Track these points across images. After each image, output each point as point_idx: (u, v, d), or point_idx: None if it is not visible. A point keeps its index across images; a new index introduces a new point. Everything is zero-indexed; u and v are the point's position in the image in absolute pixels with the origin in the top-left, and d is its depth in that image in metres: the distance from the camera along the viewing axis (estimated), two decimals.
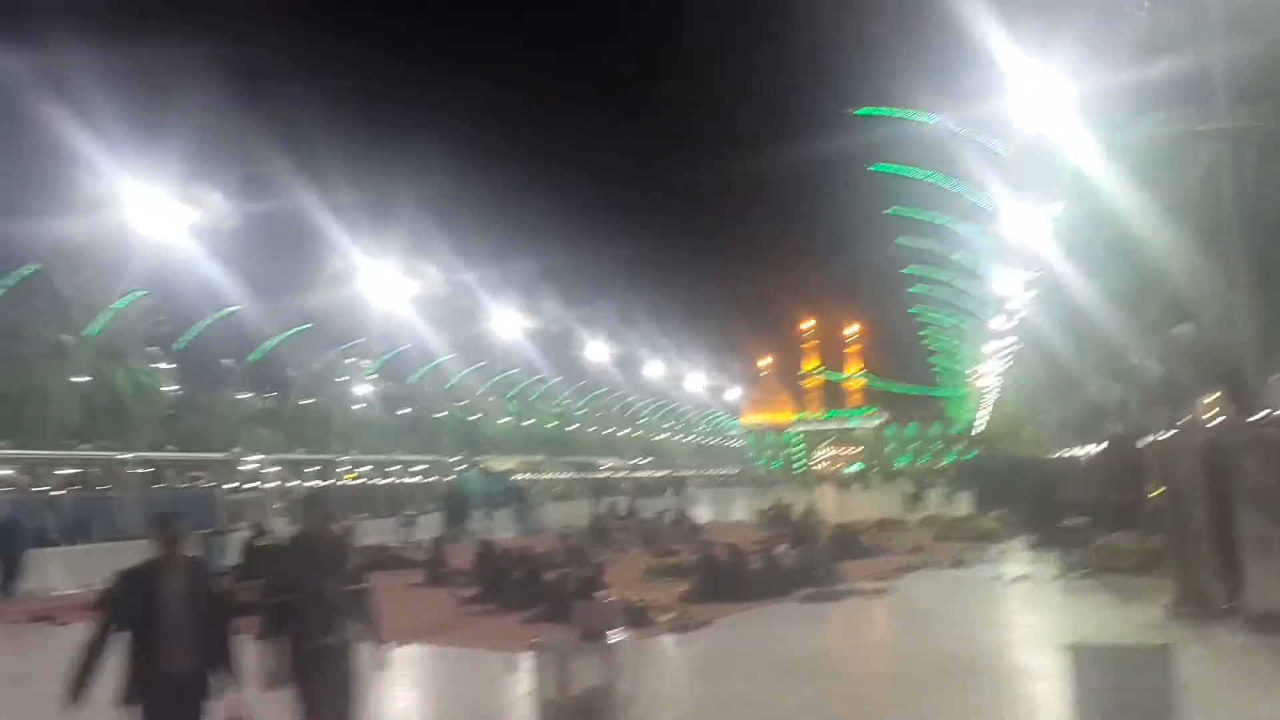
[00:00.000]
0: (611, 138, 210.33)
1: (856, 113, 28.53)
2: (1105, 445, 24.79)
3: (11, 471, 40.79)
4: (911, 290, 65.00)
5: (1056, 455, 38.09)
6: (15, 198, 41.91)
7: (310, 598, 6.02)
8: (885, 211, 36.59)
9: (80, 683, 5.22)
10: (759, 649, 11.43)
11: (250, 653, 5.79)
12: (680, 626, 12.54)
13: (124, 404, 45.97)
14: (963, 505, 36.24)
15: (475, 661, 11.45)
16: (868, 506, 40.67)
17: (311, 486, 58.54)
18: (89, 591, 20.51)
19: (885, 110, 28.19)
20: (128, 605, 5.32)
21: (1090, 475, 23.83)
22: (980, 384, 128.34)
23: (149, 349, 49.61)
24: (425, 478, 72.30)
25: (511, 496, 46.07)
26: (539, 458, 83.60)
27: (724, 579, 15.15)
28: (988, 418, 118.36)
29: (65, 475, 44.53)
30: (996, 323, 56.62)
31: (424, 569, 19.04)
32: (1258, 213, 20.47)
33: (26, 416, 43.78)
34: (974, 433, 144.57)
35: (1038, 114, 26.36)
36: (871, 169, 37.28)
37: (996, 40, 27.99)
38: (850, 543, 20.53)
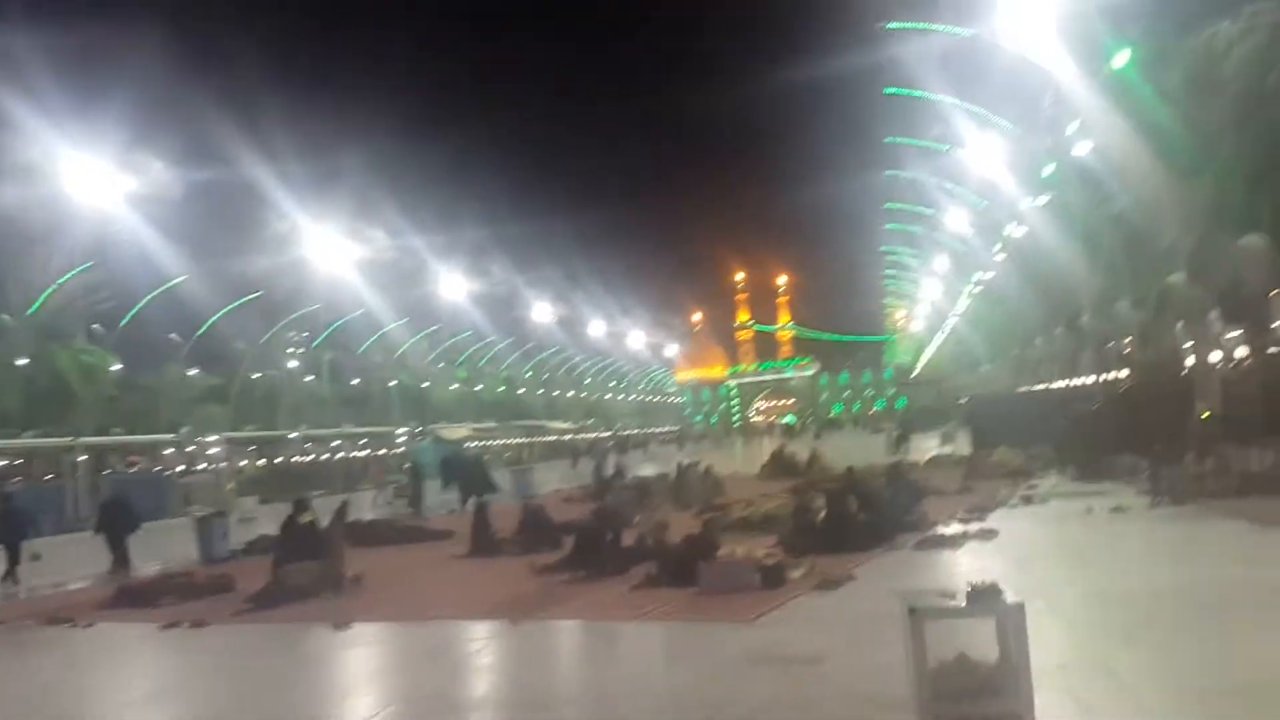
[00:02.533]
0: (554, 88, 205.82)
1: (887, 26, 27.35)
2: (1137, 374, 24.39)
3: None
4: (889, 226, 64.32)
5: (1045, 388, 38.25)
6: None
7: None
8: (885, 140, 35.61)
9: None
10: None
11: None
12: (828, 583, 11.35)
13: (68, 387, 42.97)
14: (959, 445, 35.95)
15: (657, 637, 10.04)
16: (855, 451, 39.99)
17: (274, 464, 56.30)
18: (64, 589, 18.66)
19: (917, 25, 27.12)
20: None
21: (1127, 404, 23.34)
22: (921, 326, 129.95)
23: (92, 327, 46.48)
24: (376, 450, 70.29)
25: (476, 465, 43.36)
26: (490, 424, 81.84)
27: (819, 529, 14.03)
28: (930, 358, 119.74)
29: (6, 465, 41.68)
30: (971, 258, 56.46)
31: (471, 538, 17.51)
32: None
33: None
34: (913, 375, 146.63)
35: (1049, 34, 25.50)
36: (886, 91, 36.10)
37: None
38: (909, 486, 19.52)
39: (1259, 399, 18.14)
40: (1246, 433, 18.00)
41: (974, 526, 15.17)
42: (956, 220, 54.35)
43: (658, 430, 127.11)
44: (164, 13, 70.54)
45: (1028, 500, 18.63)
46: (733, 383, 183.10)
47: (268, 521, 22.40)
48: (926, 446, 41.85)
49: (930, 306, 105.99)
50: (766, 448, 69.29)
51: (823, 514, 14.11)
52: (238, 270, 54.30)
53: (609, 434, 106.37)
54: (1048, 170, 31.89)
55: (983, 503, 18.54)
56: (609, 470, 36.01)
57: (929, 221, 61.54)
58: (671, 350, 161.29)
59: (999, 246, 45.15)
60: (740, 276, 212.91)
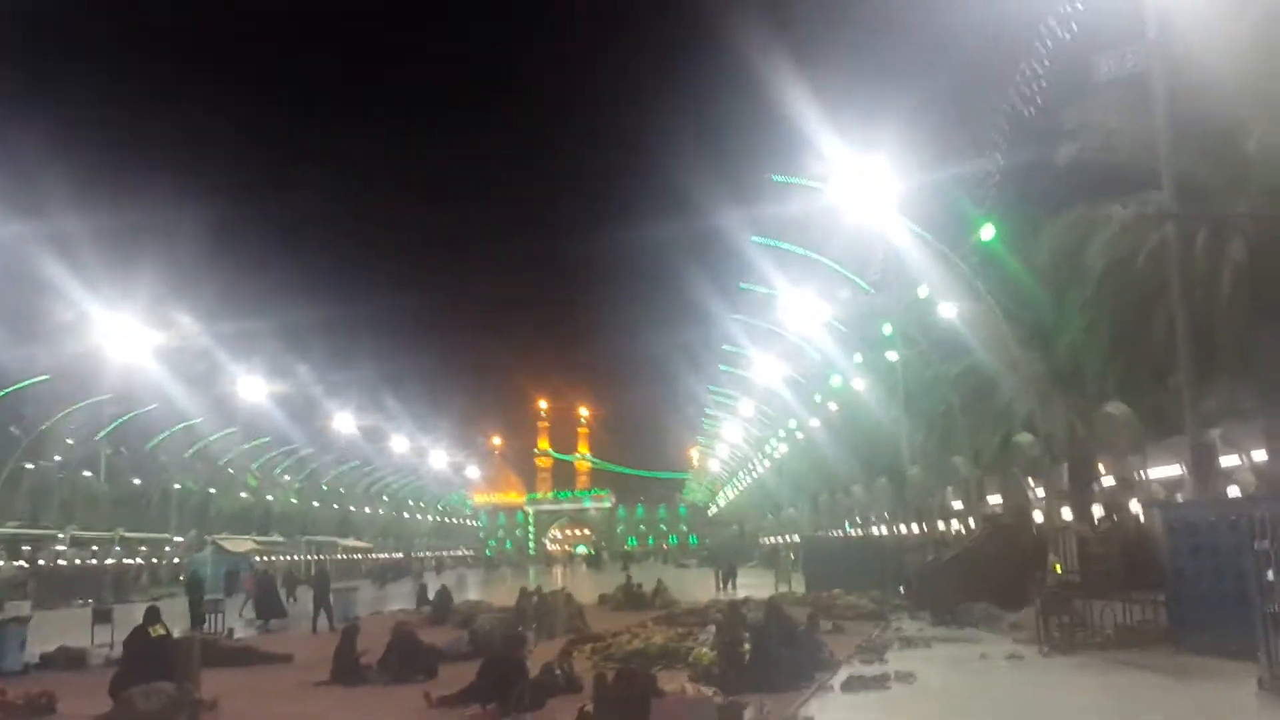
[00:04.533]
0: (382, 184, 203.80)
1: (775, 178, 28.47)
2: (988, 528, 25.26)
3: None
4: (723, 368, 66.28)
5: (871, 535, 39.63)
6: None
7: None
8: (739, 286, 36.95)
9: None
10: None
11: None
12: None
13: None
14: (788, 584, 36.20)
15: None
16: (676, 585, 39.56)
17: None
18: None
19: (794, 179, 28.40)
20: None
21: (980, 554, 24.10)
22: (718, 467, 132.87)
23: None
24: (151, 559, 64.02)
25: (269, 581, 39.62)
26: (277, 538, 76.55)
27: (747, 665, 13.37)
28: (732, 499, 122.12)
29: None
30: (788, 405, 58.56)
31: (334, 663, 15.63)
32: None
33: None
34: (710, 514, 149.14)
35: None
36: (753, 240, 37.48)
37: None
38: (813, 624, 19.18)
39: (1117, 556, 19.05)
40: (1105, 589, 18.77)
41: (882, 668, 14.90)
42: (780, 367, 56.50)
43: (453, 553, 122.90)
44: None
45: (908, 643, 18.61)
46: (529, 509, 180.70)
47: (49, 631, 19.50)
48: (750, 584, 42.05)
49: (731, 448, 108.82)
50: (580, 576, 68.10)
51: (747, 649, 13.44)
52: (22, 353, 49.30)
53: (402, 555, 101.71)
54: (888, 329, 33.62)
55: (866, 644, 18.43)
56: (432, 594, 34.00)
57: (749, 366, 63.78)
58: (471, 472, 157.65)
59: (823, 397, 47.18)
60: (543, 405, 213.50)
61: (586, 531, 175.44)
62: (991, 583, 23.47)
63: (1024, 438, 27.21)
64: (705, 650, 15.89)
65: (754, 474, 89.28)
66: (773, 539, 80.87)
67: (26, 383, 46.82)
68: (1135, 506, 22.82)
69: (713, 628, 20.21)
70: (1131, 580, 18.49)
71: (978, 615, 22.16)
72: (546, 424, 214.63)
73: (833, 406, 44.07)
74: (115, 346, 54.74)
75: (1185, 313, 18.59)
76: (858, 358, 38.86)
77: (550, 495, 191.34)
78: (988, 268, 25.12)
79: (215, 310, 64.84)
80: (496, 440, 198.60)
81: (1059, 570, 22.47)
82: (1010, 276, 25.26)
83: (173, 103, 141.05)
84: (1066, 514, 23.86)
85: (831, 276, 39.46)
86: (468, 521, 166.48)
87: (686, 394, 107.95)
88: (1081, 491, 25.31)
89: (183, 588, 55.42)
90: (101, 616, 22.75)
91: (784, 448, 62.42)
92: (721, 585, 40.36)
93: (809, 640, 14.90)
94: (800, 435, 55.14)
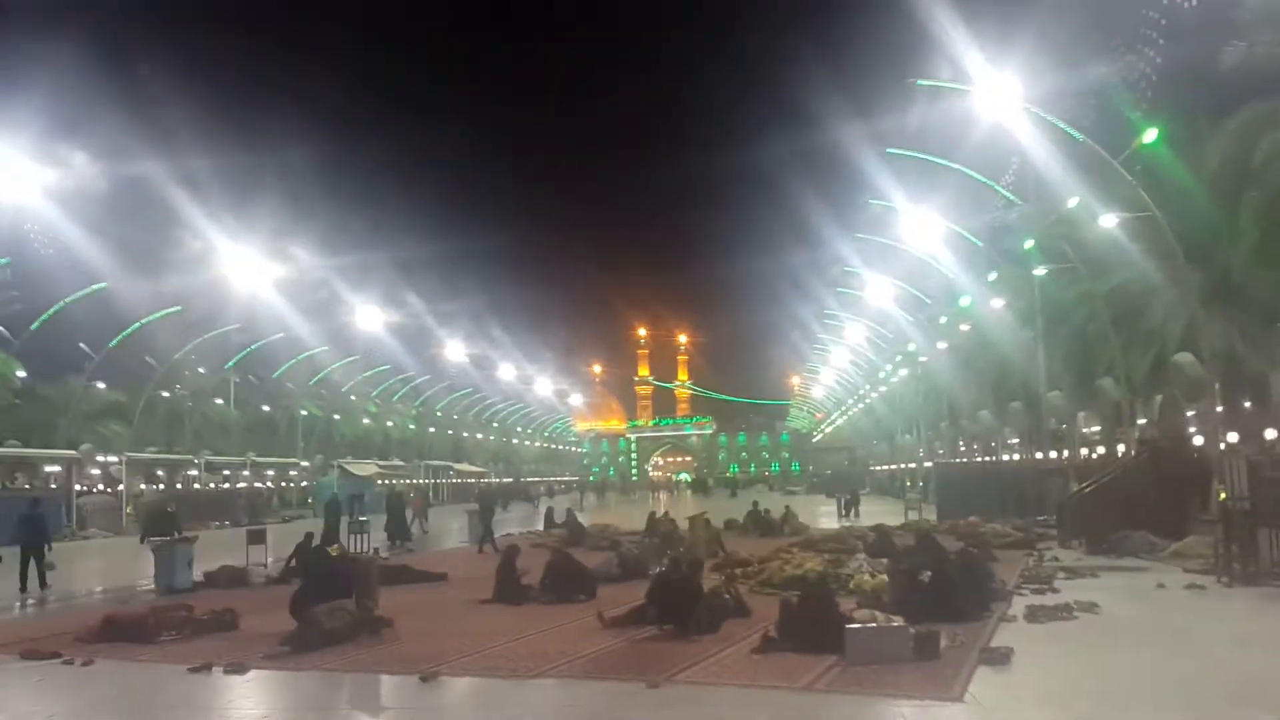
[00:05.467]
0: (484, 125, 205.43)
1: (919, 82, 26.97)
2: (1144, 452, 24.01)
3: None
4: (839, 290, 64.85)
5: (1006, 460, 38.47)
6: None
7: None
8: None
9: None
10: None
11: None
12: (994, 656, 10.14)
13: None
14: (918, 512, 35.44)
15: None
16: (802, 512, 39.12)
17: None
18: (13, 616, 16.44)
19: (942, 83, 26.90)
20: None
21: (1137, 480, 22.98)
22: (822, 394, 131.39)
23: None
24: (280, 483, 66.51)
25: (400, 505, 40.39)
26: (397, 462, 78.76)
27: (926, 597, 12.84)
28: (838, 426, 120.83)
29: None
30: (903, 336, 57.23)
31: (496, 583, 15.70)
32: None
33: None
34: (814, 441, 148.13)
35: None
36: (887, 151, 36.00)
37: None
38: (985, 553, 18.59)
39: None
40: (1274, 517, 17.59)
41: (1058, 598, 14.24)
42: (900, 288, 54.91)
43: (560, 478, 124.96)
44: (90, 14, 67.08)
45: (1072, 572, 17.83)
46: (631, 436, 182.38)
47: (201, 551, 20.10)
48: (873, 511, 41.43)
49: (839, 374, 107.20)
50: (688, 502, 68.39)
51: (928, 580, 12.91)
52: (155, 283, 51.06)
53: (511, 480, 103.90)
54: (1029, 244, 32.02)
55: (1028, 573, 17.78)
56: (560, 517, 34.32)
57: (865, 288, 62.14)
58: (574, 399, 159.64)
59: (950, 318, 45.61)
60: (643, 332, 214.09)
61: (688, 458, 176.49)
62: (1148, 509, 22.40)
63: (1183, 357, 25.71)
64: (867, 577, 15.49)
65: (865, 400, 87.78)
66: (886, 466, 79.71)
67: (161, 313, 48.40)
68: None
69: (863, 555, 19.88)
70: None
71: (1136, 544, 21.18)
72: (646, 351, 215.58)
73: (962, 327, 42.49)
74: (240, 278, 56.40)
75: None
76: (992, 275, 37.23)
77: (651, 423, 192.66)
78: (1148, 174, 23.48)
79: (331, 244, 66.25)
80: (597, 368, 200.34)
81: (1224, 497, 21.27)
82: (1173, 183, 23.57)
83: (290, 47, 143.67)
84: (1232, 438, 22.51)
85: (967, 189, 37.69)
86: (572, 448, 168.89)
87: (792, 319, 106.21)
88: (1251, 413, 23.83)
89: (311, 509, 58.10)
90: (256, 537, 23.44)
91: (902, 372, 60.92)
92: (844, 512, 39.85)
93: (984, 569, 14.30)
94: (923, 359, 53.64)
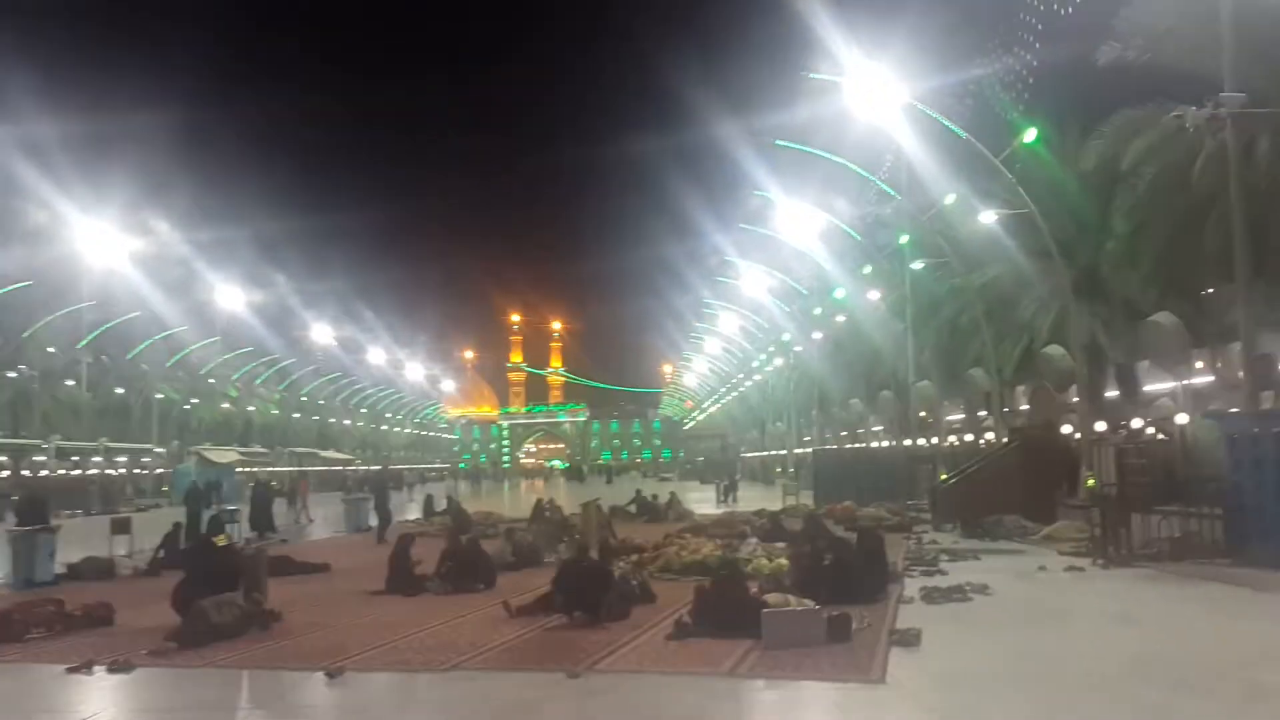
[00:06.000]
0: (357, 99, 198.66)
1: (810, 76, 27.25)
2: (1015, 440, 25.04)
3: None
4: (718, 279, 65.51)
5: (880, 449, 39.63)
6: None
7: None
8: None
9: None
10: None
11: None
12: (903, 638, 10.32)
13: None
14: (795, 497, 36.21)
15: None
16: (685, 497, 39.49)
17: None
18: None
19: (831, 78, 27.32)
20: None
21: (1009, 466, 23.96)
22: (694, 383, 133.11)
23: None
24: (132, 470, 63.17)
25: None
26: (259, 449, 75.98)
27: (828, 579, 13.01)
28: (710, 414, 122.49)
29: None
30: (775, 328, 58.40)
31: (390, 572, 15.17)
32: None
33: None
34: (685, 428, 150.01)
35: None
36: (776, 143, 36.31)
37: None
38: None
39: (1159, 468, 18.87)
40: (1144, 502, 18.60)
41: (948, 580, 14.67)
42: (775, 279, 55.92)
43: (431, 466, 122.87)
44: None
45: (953, 555, 18.43)
46: (503, 423, 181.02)
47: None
48: (750, 497, 42.15)
49: (712, 362, 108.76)
50: (562, 489, 68.19)
51: (829, 562, 13.09)
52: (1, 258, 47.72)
53: (380, 467, 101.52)
54: (904, 239, 33.02)
55: (910, 555, 18.30)
56: (440, 504, 33.62)
57: (740, 278, 63.06)
58: (446, 385, 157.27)
59: (825, 310, 46.77)
60: (516, 319, 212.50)
61: (561, 446, 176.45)
62: (1019, 495, 23.42)
63: (1053, 350, 26.96)
64: (765, 561, 15.64)
65: (738, 389, 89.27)
66: (757, 453, 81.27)
67: (8, 288, 45.28)
68: (1180, 419, 22.69)
69: (754, 539, 20.10)
70: (1170, 494, 18.33)
71: (1009, 528, 22.08)
72: (520, 338, 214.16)
73: (837, 318, 43.59)
74: (93, 252, 53.24)
75: (1243, 217, 18.19)
76: (867, 268, 38.28)
77: (524, 410, 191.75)
78: (1024, 173, 24.45)
79: (191, 218, 63.20)
80: (470, 354, 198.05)
81: (1092, 483, 22.37)
82: (1047, 182, 24.62)
83: (149, 9, 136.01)
84: (1099, 427, 23.72)
85: (846, 183, 38.65)
86: (443, 435, 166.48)
87: (667, 308, 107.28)
88: (1121, 403, 25.16)
89: (167, 498, 55.35)
90: (120, 526, 22.09)
91: (777, 361, 62.17)
92: (723, 497, 40.41)
93: (881, 552, 14.59)
94: (797, 348, 54.83)
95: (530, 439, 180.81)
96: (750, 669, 9.28)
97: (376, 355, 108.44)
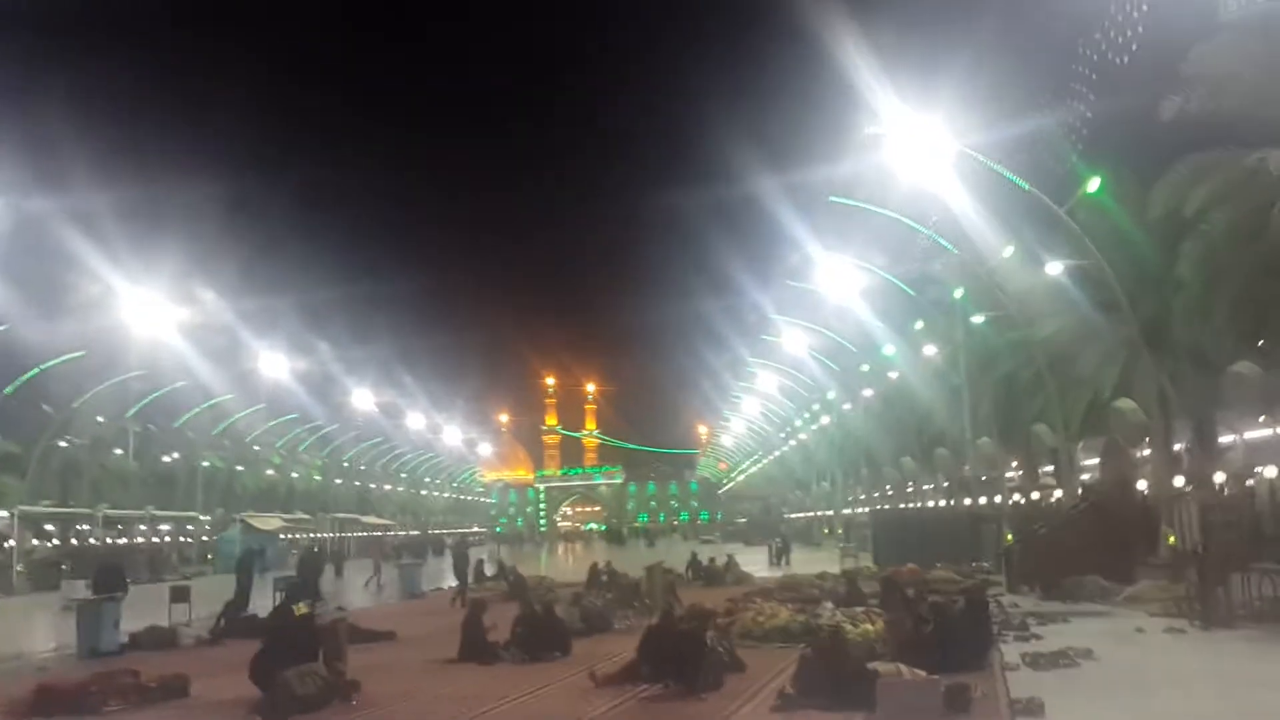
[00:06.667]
0: (394, 170, 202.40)
1: (868, 131, 27.06)
2: (1089, 498, 24.25)
3: None
4: (765, 337, 64.87)
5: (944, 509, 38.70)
6: None
7: None
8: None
9: None
10: None
11: None
12: (1027, 708, 9.73)
13: None
14: (854, 559, 35.39)
15: None
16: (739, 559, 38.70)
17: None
18: None
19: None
20: None
21: (1084, 525, 23.14)
22: (730, 444, 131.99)
23: None
24: (178, 537, 63.18)
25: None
26: (302, 515, 75.96)
27: (931, 645, 12.41)
28: (751, 474, 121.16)
29: None
30: (818, 388, 57.93)
31: (462, 640, 14.72)
32: None
33: None
34: (723, 489, 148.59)
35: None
36: (830, 200, 36.14)
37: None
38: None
39: (1246, 524, 18.12)
40: (1234, 560, 17.81)
41: (1048, 645, 13.99)
42: (817, 337, 55.39)
43: (470, 530, 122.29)
44: None
45: (1041, 618, 17.67)
46: (539, 486, 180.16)
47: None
48: (802, 559, 41.20)
49: (749, 423, 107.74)
50: (601, 553, 67.34)
51: (930, 628, 12.49)
52: (51, 327, 48.15)
53: (419, 532, 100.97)
54: (959, 292, 32.60)
55: (1000, 619, 17.56)
56: (489, 570, 33.11)
57: (779, 335, 62.53)
58: (482, 449, 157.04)
59: (873, 366, 46.21)
60: (550, 381, 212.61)
61: (597, 508, 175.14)
62: (1096, 555, 22.52)
63: (1124, 403, 26.29)
64: (851, 627, 15.00)
65: (782, 448, 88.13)
66: (800, 514, 80.00)
67: (61, 359, 45.76)
68: (1268, 472, 21.91)
69: (828, 604, 19.41)
70: (1263, 551, 17.54)
71: (1090, 589, 21.21)
72: (554, 400, 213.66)
73: (889, 374, 42.94)
74: (140, 322, 53.76)
75: None
76: (919, 324, 37.76)
77: (559, 472, 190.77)
78: (1087, 224, 24.04)
79: (236, 287, 63.63)
80: (504, 417, 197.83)
81: (1172, 541, 21.57)
82: (1111, 232, 24.17)
83: (193, 80, 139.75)
84: (1178, 482, 22.95)
85: (889, 237, 38.29)
86: (479, 498, 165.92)
87: (704, 367, 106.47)
88: (1201, 457, 24.37)
89: (212, 565, 55.17)
90: (179, 594, 21.90)
91: (824, 419, 61.31)
92: (776, 560, 39.55)
93: (986, 616, 13.99)
94: (847, 406, 54.05)
95: (566, 502, 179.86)
96: None
97: (415, 420, 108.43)
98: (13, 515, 43.49)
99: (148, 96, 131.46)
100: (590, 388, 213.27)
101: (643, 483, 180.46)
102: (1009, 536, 28.53)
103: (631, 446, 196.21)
